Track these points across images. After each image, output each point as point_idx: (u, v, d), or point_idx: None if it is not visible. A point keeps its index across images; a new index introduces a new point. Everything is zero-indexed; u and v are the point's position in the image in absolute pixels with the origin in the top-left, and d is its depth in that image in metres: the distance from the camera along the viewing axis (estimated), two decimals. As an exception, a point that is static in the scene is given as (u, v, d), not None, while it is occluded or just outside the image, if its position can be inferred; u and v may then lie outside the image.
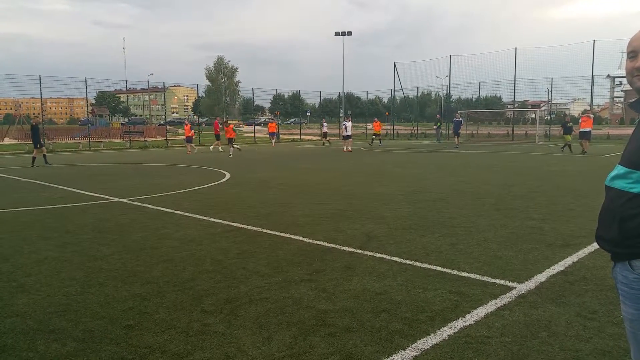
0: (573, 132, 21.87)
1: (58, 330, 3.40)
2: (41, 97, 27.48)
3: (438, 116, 37.80)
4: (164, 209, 8.06)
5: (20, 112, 45.04)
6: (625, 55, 1.76)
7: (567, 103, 73.14)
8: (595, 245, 5.45)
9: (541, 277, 4.42)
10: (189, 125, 24.57)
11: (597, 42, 30.93)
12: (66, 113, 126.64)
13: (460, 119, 29.32)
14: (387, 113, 50.59)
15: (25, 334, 3.34)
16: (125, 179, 12.83)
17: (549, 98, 38.29)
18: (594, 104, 36.03)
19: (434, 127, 35.87)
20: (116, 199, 9.17)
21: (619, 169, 1.70)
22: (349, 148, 23.28)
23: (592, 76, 31.46)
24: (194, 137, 25.51)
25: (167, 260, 5.08)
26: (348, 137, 23.92)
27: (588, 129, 20.56)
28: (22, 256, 5.30)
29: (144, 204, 8.58)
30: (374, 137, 29.83)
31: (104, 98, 68.21)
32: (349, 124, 24.42)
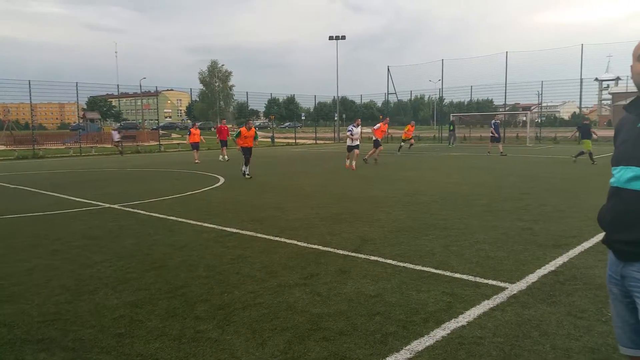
0: (594, 137, 17.20)
1: (47, 339, 3.35)
2: (30, 102, 27.23)
3: (453, 119, 33.74)
4: (156, 215, 8.01)
5: (9, 117, 44.65)
6: (633, 59, 1.78)
7: (557, 106, 73.92)
8: (584, 245, 5.49)
9: (532, 277, 4.44)
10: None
11: (585, 46, 31.38)
12: (57, 118, 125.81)
13: (497, 121, 23.25)
14: (380, 116, 50.71)
15: (12, 344, 3.29)
16: (116, 184, 12.74)
17: (540, 101, 38.65)
18: (582, 106, 36.44)
19: (450, 130, 32.49)
20: (107, 205, 9.10)
21: (636, 171, 1.67)
22: (353, 164, 15.94)
23: (581, 79, 31.89)
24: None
25: (159, 267, 5.04)
26: (354, 147, 16.12)
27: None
28: (10, 265, 5.24)
29: (135, 210, 8.53)
30: (402, 143, 25.75)
31: (95, 103, 67.94)
32: (357, 130, 16.50)
